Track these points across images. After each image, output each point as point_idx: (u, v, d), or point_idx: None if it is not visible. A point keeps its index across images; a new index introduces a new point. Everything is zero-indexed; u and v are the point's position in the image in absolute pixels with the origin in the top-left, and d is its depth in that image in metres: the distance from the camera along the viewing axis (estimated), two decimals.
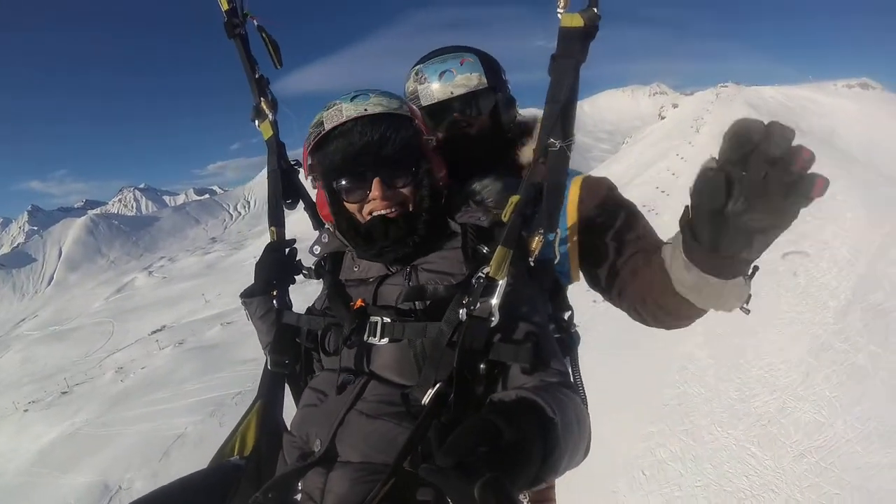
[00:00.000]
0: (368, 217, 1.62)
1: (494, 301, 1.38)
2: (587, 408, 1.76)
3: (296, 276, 2.03)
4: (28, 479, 41.86)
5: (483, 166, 1.94)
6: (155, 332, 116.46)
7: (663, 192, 28.40)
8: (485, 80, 2.03)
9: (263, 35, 2.06)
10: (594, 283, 1.93)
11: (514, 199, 1.53)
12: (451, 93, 2.04)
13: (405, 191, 1.61)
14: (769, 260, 11.93)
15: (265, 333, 1.95)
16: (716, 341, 10.87)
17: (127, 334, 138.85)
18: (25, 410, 66.17)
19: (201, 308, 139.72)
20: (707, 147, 42.07)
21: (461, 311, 1.40)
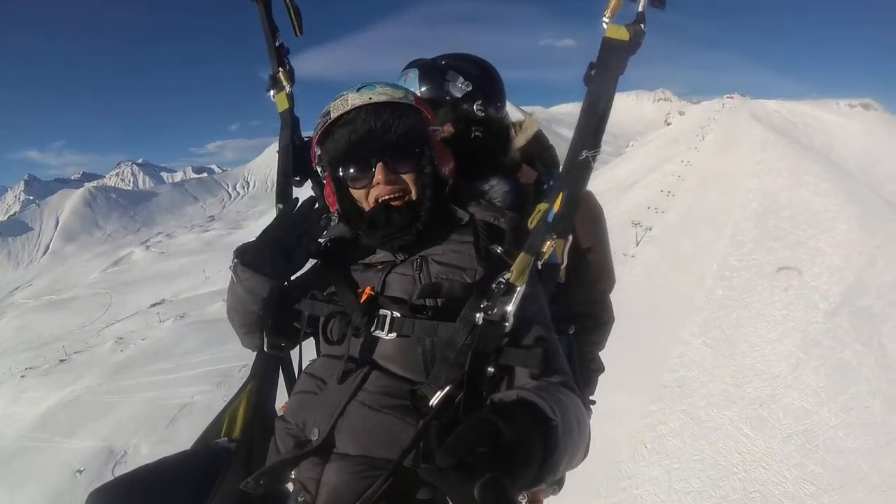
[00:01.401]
0: (374, 204, 1.61)
1: (510, 307, 1.40)
2: (589, 409, 1.85)
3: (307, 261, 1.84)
4: (30, 444, 41.82)
5: (466, 168, 1.89)
6: (154, 305, 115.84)
7: (669, 192, 29.16)
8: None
9: (286, 1, 2.01)
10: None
11: (543, 206, 1.55)
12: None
13: (408, 177, 1.60)
14: (765, 262, 12.86)
15: (245, 304, 1.74)
16: (712, 332, 11.80)
17: (125, 306, 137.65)
18: (22, 376, 65.54)
19: (201, 284, 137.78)
20: (711, 154, 43.12)
21: (478, 314, 1.41)
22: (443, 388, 1.36)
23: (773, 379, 9.51)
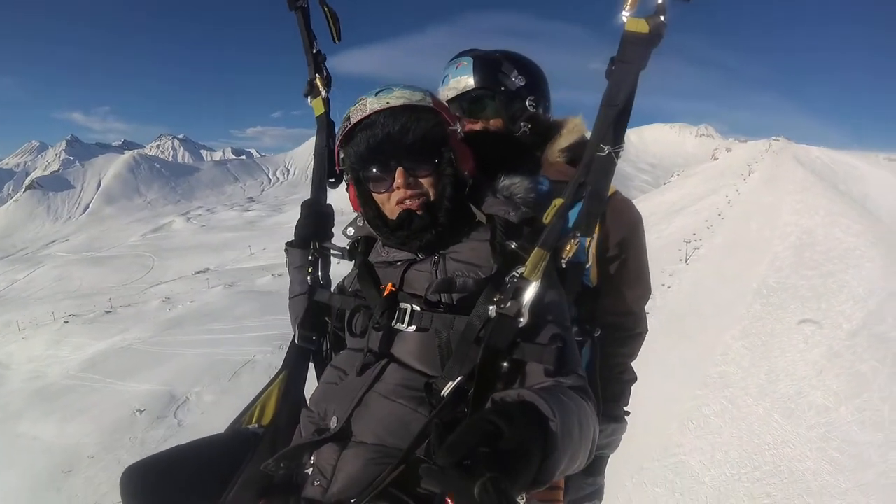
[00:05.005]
0: (396, 206, 1.61)
1: (525, 301, 1.38)
2: (598, 414, 1.70)
3: (332, 232, 2.05)
4: (79, 383, 42.03)
5: (507, 163, 1.86)
6: (198, 272, 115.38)
7: (719, 215, 30.88)
8: (471, 83, 2.06)
9: (325, 8, 2.01)
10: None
11: (558, 202, 1.55)
12: (448, 96, 2.10)
13: (426, 180, 1.59)
14: (799, 286, 14.77)
15: (298, 284, 2.00)
16: (750, 337, 13.09)
17: (167, 270, 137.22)
18: (66, 322, 65.36)
19: (246, 258, 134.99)
20: (756, 189, 44.37)
21: (491, 307, 1.40)
22: (454, 381, 1.38)
23: (801, 380, 10.77)
